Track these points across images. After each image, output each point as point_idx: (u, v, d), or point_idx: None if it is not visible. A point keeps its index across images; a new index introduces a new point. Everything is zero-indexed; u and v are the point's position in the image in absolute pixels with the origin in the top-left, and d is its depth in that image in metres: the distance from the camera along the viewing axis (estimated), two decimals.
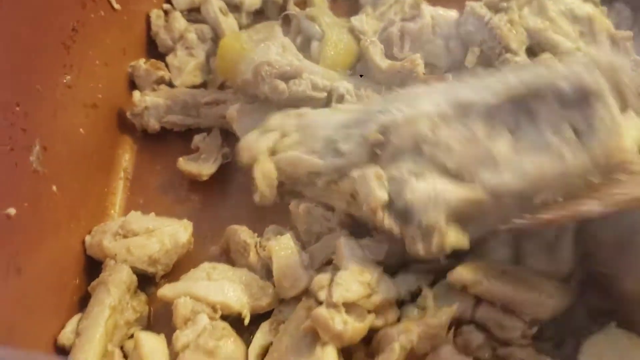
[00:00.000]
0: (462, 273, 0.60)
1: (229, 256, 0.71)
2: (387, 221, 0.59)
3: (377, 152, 0.62)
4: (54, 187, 0.68)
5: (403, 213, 0.59)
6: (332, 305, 0.59)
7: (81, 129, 0.75)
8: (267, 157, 0.67)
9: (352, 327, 0.58)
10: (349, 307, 0.60)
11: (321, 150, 0.66)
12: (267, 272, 0.69)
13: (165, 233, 0.70)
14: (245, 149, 0.69)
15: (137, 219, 0.71)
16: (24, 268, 0.61)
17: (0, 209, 0.60)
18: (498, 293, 0.60)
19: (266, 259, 0.68)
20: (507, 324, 0.59)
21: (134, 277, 0.68)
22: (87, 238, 0.71)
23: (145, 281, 0.71)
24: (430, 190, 0.58)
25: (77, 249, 0.71)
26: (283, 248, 0.66)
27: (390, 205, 0.60)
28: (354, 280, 0.60)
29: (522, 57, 0.75)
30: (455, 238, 0.58)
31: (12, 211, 0.61)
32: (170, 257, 0.70)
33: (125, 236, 0.69)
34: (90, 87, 0.78)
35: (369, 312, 0.60)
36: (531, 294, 0.60)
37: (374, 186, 0.60)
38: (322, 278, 0.61)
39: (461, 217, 0.58)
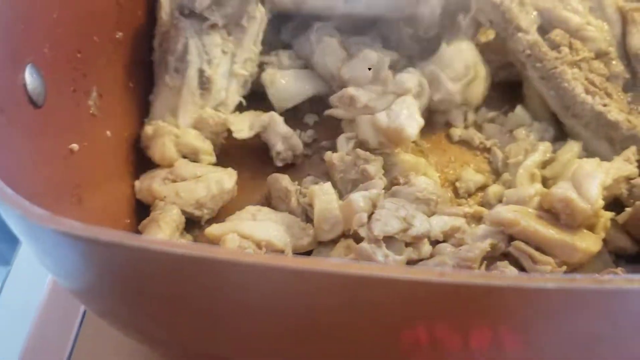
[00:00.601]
0: (501, 213, 0.64)
1: (270, 203, 0.75)
2: None
3: None
4: (108, 132, 0.73)
5: None
6: (374, 240, 0.64)
7: (130, 83, 0.80)
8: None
9: (392, 260, 0.63)
10: (388, 242, 0.64)
11: None
12: (306, 217, 0.73)
13: (212, 179, 0.74)
14: None
15: (185, 165, 0.75)
16: (85, 200, 0.65)
17: (66, 143, 0.64)
18: (533, 234, 0.64)
19: (306, 205, 0.73)
20: (539, 259, 0.63)
21: (183, 217, 0.72)
22: (137, 183, 0.75)
23: (190, 225, 0.75)
24: None
25: (128, 192, 0.75)
26: (325, 193, 0.71)
27: None
28: (392, 216, 0.65)
29: (533, 36, 0.79)
30: None
31: (75, 147, 0.65)
32: (216, 202, 0.74)
33: (174, 181, 0.74)
34: (138, 45, 0.82)
35: (406, 245, 0.64)
36: (564, 237, 0.64)
37: None
38: (362, 216, 0.66)
39: None
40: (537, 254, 0.63)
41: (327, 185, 0.71)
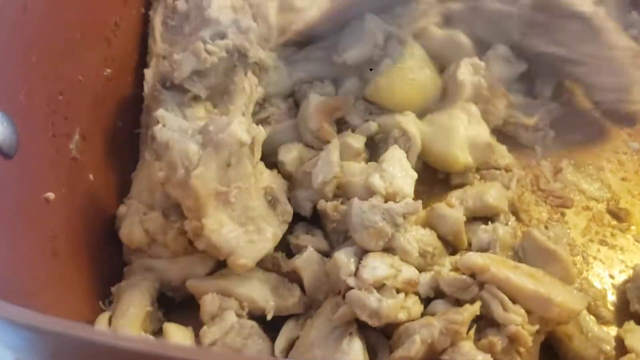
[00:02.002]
0: (471, 257, 0.62)
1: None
2: None
3: None
4: (91, 176, 0.70)
5: None
6: (364, 286, 0.60)
7: (119, 122, 0.77)
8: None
9: (386, 303, 0.60)
10: (379, 289, 0.61)
11: None
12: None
13: (185, 262, 0.69)
14: None
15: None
16: (60, 251, 0.62)
17: (40, 192, 0.61)
18: (504, 281, 0.61)
19: (290, 270, 0.69)
20: (509, 306, 0.60)
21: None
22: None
23: None
24: None
25: (110, 238, 0.72)
26: (310, 264, 0.68)
27: None
28: (379, 262, 0.62)
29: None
30: None
31: (51, 195, 0.62)
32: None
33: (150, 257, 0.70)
34: (128, 81, 0.80)
35: (398, 291, 0.62)
36: (539, 289, 0.61)
37: None
38: (350, 265, 0.63)
39: None
40: (508, 301, 0.60)
41: (310, 253, 0.68)
